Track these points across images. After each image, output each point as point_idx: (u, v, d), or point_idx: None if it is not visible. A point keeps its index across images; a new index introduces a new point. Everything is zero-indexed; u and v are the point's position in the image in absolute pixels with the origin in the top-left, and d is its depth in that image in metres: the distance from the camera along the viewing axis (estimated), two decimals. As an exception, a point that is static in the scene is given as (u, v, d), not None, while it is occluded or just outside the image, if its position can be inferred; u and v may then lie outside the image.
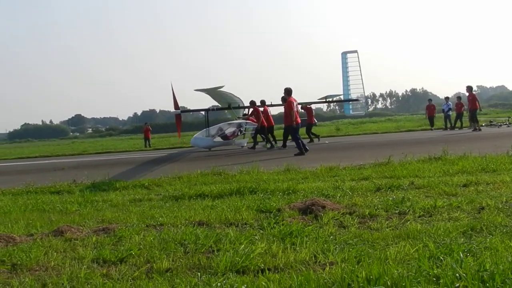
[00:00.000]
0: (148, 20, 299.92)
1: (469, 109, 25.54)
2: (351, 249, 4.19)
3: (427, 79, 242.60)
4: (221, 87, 20.62)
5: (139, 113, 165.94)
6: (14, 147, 65.00)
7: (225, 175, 10.72)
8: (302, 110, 25.95)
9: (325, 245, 4.41)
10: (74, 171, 15.72)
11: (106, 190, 9.81)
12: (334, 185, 8.02)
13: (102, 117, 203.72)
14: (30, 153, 36.30)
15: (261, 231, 5.15)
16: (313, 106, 26.32)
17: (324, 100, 27.04)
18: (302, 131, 21.02)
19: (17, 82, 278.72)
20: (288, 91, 17.44)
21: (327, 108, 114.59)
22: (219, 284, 3.52)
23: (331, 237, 4.73)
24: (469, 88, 25.19)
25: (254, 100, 22.78)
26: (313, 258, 4.10)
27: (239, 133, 23.64)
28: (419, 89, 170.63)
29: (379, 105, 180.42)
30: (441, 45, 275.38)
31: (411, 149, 13.63)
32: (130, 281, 3.82)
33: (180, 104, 24.04)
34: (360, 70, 25.96)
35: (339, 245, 4.40)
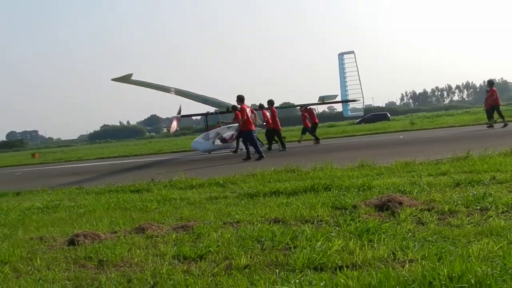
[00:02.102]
0: (209, 26, 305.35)
1: (490, 104, 23.30)
2: (431, 246, 4.09)
3: (506, 69, 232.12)
4: (131, 74, 20.24)
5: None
6: (95, 148, 68.01)
7: (298, 172, 10.70)
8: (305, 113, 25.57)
9: (403, 242, 4.33)
10: (151, 170, 16.27)
11: (183, 188, 10.06)
12: (411, 180, 7.82)
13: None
14: (110, 153, 37.84)
15: (337, 228, 5.13)
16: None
17: (322, 101, 26.78)
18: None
19: (95, 88, 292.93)
20: (240, 98, 17.36)
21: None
22: (297, 281, 3.55)
23: (410, 234, 4.63)
24: (490, 83, 23.52)
25: (235, 105, 22.27)
26: (392, 255, 4.04)
27: None
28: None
29: (455, 97, 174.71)
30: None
31: (491, 143, 13.06)
32: (211, 277, 3.91)
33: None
34: (358, 71, 25.87)
35: (418, 242, 4.31)
